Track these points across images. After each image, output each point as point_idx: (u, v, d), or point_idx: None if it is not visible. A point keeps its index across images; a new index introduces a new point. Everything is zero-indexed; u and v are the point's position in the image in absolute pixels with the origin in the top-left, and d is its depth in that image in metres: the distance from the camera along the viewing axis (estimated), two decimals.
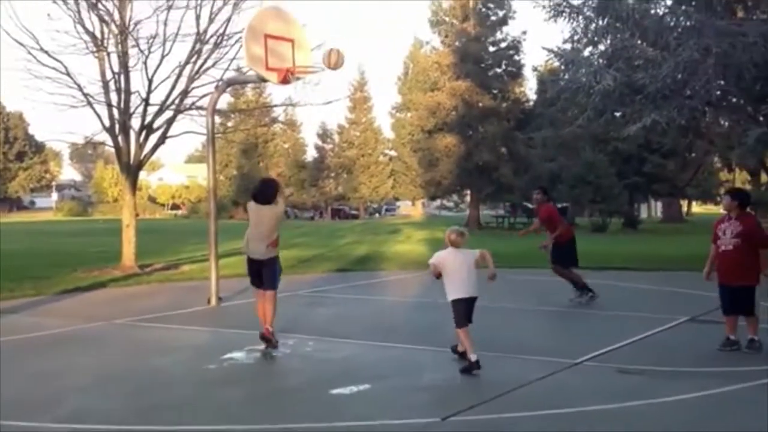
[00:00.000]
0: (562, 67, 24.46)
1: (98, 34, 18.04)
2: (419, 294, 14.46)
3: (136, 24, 18.06)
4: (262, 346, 8.99)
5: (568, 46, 22.13)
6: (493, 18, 48.99)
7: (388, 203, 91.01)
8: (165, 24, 17.86)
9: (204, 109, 15.92)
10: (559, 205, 27.73)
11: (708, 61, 18.30)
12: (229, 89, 30.93)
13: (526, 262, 18.34)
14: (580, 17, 21.26)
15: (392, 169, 77.61)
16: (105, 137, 18.92)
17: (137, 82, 18.48)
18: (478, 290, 7.86)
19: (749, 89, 19.15)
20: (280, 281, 9.42)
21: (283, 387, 7.69)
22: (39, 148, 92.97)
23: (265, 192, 9.33)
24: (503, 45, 49.30)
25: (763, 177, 44.75)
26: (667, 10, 20.74)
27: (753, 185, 52.75)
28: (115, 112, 18.29)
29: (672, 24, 19.54)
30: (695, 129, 22.81)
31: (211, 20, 18.12)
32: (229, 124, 57.40)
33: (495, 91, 48.29)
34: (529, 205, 43.62)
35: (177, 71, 18.28)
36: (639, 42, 20.61)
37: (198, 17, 17.95)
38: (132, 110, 18.45)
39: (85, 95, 17.92)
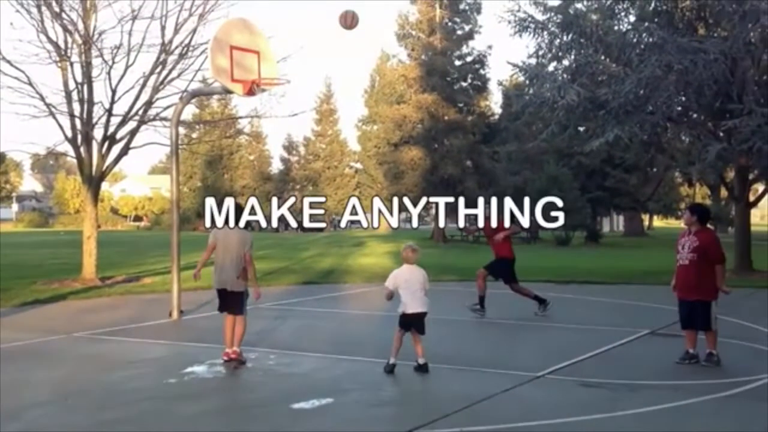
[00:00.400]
0: (527, 82, 24.79)
1: (62, 44, 17.87)
2: (383, 307, 14.28)
3: (100, 34, 17.94)
4: (222, 361, 8.85)
5: (533, 60, 22.43)
6: (459, 32, 49.32)
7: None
8: (130, 34, 17.73)
9: (168, 120, 15.80)
10: None
11: (669, 77, 18.64)
12: (194, 100, 30.76)
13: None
14: (545, 33, 21.57)
15: (358, 181, 77.65)
16: (67, 148, 18.69)
17: (100, 93, 18.26)
18: (428, 306, 8.30)
19: (709, 105, 19.50)
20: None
21: (244, 401, 7.63)
22: None
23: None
24: (469, 59, 49.63)
25: (723, 192, 45.45)
26: (630, 27, 21.12)
27: (713, 200, 53.65)
28: (78, 122, 18.09)
29: (635, 40, 19.88)
30: (657, 144, 23.16)
31: (176, 31, 18.06)
32: (194, 135, 56.82)
33: (461, 105, 48.56)
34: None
35: (141, 82, 18.14)
36: (602, 58, 20.95)
37: (163, 28, 17.90)
38: (95, 121, 18.25)
39: (48, 105, 17.71)
